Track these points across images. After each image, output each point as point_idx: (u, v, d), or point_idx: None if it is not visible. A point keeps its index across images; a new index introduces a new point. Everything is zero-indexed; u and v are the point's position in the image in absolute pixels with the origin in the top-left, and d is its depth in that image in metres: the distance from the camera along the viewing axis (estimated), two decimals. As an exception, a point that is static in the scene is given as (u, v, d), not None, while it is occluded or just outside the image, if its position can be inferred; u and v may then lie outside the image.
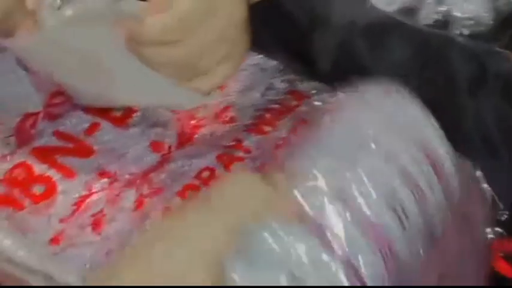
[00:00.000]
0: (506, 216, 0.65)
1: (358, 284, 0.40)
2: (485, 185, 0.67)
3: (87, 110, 0.71)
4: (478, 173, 0.67)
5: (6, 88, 0.73)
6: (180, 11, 0.55)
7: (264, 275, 0.39)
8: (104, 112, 0.71)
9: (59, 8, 0.57)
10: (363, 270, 0.40)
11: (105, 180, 0.66)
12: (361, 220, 0.42)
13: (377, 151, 0.45)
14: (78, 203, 0.65)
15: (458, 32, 0.68)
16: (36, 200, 0.65)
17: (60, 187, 0.66)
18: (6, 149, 0.69)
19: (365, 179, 0.43)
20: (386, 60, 0.70)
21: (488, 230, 0.65)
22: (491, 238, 0.65)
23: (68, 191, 0.66)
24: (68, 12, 0.57)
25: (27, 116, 0.72)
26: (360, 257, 0.41)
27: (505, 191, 0.67)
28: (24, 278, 0.62)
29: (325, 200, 0.41)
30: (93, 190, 0.65)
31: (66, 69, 0.64)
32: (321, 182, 0.42)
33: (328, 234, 0.40)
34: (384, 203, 0.43)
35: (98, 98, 0.67)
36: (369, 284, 0.41)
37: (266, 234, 0.39)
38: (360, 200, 0.42)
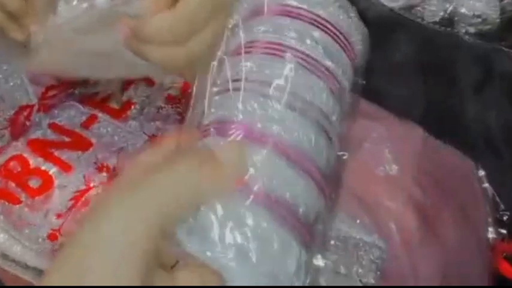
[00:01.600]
0: (507, 217, 0.65)
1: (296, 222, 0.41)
2: (487, 185, 0.66)
3: (84, 101, 0.70)
4: (481, 173, 0.67)
5: (0, 80, 0.71)
6: (187, 11, 0.54)
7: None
8: (101, 104, 0.70)
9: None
10: (293, 202, 0.41)
11: (104, 174, 0.64)
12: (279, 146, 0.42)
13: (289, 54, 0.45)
14: (76, 197, 0.63)
15: (464, 30, 0.68)
16: (33, 194, 0.63)
17: (57, 181, 0.64)
18: (0, 142, 0.67)
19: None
20: (390, 56, 0.69)
21: (491, 229, 0.64)
22: (494, 238, 0.64)
23: (65, 185, 0.64)
24: (77, 18, 0.57)
25: (22, 108, 0.70)
26: (285, 190, 0.41)
27: (507, 191, 0.67)
28: (19, 274, 0.61)
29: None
30: (92, 184, 0.64)
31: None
32: (237, 125, 0.43)
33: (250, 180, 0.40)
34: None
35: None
36: (302, 213, 0.41)
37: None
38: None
